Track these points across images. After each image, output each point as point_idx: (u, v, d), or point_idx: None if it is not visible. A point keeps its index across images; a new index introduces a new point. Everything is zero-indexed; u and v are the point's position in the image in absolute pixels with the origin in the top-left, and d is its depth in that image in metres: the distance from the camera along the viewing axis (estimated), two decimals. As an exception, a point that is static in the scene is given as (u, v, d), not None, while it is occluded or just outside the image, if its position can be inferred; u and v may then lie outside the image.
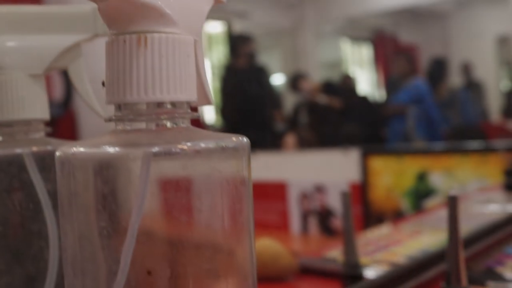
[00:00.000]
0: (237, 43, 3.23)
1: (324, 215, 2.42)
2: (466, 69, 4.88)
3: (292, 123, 3.68)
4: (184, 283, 0.24)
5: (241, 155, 0.26)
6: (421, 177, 2.05)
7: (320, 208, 2.42)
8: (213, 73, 4.79)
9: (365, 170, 2.19)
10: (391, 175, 2.19)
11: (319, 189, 2.45)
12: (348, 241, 0.58)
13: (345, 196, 0.57)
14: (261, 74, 3.22)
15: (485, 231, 0.71)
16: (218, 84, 3.54)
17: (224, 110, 3.24)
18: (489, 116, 4.98)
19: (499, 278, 0.62)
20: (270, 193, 2.55)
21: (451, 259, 0.46)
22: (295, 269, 0.63)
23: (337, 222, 2.31)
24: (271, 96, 3.51)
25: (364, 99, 4.02)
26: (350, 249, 0.58)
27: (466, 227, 0.68)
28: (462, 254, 0.46)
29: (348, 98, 3.69)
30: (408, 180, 2.06)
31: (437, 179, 2.01)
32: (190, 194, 0.24)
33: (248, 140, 0.26)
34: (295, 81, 3.89)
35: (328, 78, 4.57)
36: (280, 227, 2.55)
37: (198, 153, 0.24)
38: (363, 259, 0.62)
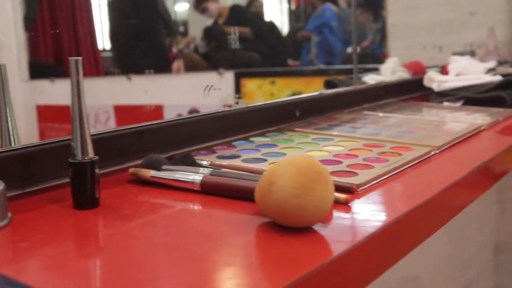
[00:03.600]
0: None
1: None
2: None
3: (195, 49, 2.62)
4: None
5: None
6: (328, 84, 2.08)
7: None
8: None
9: (238, 92, 2.02)
10: (264, 96, 2.10)
11: (194, 111, 2.00)
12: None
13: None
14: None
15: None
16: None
17: (115, 36, 1.98)
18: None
19: (187, 163, 0.66)
20: (147, 117, 1.88)
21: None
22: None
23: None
24: (166, 21, 2.38)
25: (271, 25, 3.12)
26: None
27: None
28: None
29: (254, 23, 2.85)
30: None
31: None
32: None
33: None
34: (200, 2, 2.61)
35: (235, 2, 3.27)
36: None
37: None
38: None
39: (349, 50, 2.91)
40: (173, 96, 2.53)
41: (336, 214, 0.53)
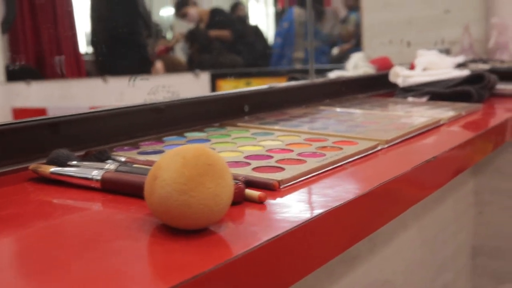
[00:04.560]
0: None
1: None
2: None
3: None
4: None
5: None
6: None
7: None
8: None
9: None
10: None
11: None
12: None
13: None
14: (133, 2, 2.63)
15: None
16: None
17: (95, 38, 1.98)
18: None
19: (101, 159, 0.59)
20: None
21: None
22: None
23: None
24: (146, 24, 2.66)
25: (255, 29, 3.53)
26: None
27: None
28: None
29: (237, 26, 3.29)
30: None
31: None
32: None
33: None
34: (181, 8, 3.23)
35: (217, 5, 3.93)
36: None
37: None
38: None
39: (335, 51, 2.85)
40: (148, 98, 2.47)
41: (247, 213, 0.46)
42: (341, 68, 1.42)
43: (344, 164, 0.62)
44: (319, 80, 1.12)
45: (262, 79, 2.39)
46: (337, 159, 0.61)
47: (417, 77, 1.20)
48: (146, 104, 0.77)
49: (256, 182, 0.52)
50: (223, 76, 2.48)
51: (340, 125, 0.83)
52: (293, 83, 1.06)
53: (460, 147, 0.74)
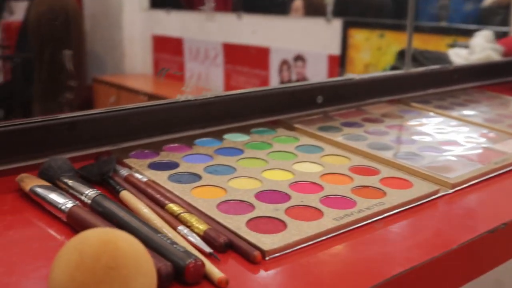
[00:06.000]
0: None
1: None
2: None
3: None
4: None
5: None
6: (403, 55, 1.88)
7: (298, 79, 1.90)
8: None
9: (345, 43, 1.86)
10: (372, 51, 1.95)
11: (299, 58, 1.90)
12: None
13: None
14: None
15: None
16: None
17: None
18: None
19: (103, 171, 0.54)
20: (254, 58, 1.87)
21: None
22: None
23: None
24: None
25: None
26: None
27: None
28: None
29: None
30: (388, 57, 1.91)
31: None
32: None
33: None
34: None
35: None
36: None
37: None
38: None
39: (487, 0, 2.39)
40: (280, 40, 2.38)
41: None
42: (486, 28, 1.19)
43: (372, 222, 0.49)
44: (415, 70, 0.94)
45: (398, 33, 2.15)
46: (364, 216, 0.49)
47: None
48: (194, 99, 0.68)
49: (239, 247, 0.43)
50: (356, 24, 2.28)
51: (411, 145, 0.69)
52: (378, 74, 0.91)
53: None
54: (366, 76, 0.86)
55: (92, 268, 0.30)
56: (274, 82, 2.29)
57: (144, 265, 0.32)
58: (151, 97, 2.19)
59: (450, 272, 0.46)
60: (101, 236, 0.32)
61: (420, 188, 0.55)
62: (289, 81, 2.25)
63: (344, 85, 0.84)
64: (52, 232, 0.46)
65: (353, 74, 0.83)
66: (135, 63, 2.75)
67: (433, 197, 0.55)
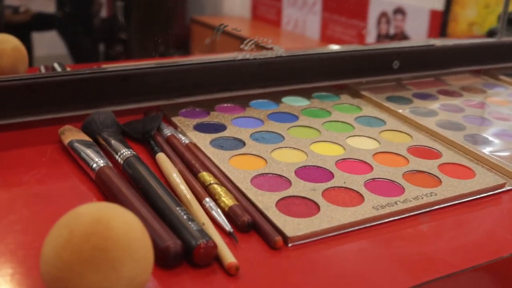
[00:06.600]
0: None
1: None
2: None
3: None
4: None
5: None
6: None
7: (396, 33, 1.85)
8: None
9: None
10: (478, 8, 1.84)
11: (399, 11, 1.84)
12: None
13: None
14: None
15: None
16: None
17: None
18: None
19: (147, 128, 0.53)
20: (352, 8, 1.87)
21: None
22: None
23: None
24: None
25: None
26: None
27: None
28: None
29: None
30: (495, 17, 1.79)
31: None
32: None
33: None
34: None
35: None
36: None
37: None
38: None
39: None
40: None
41: None
42: None
43: (419, 214, 0.45)
44: (509, 39, 0.84)
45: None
46: (409, 207, 0.44)
47: None
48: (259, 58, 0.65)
49: (262, 229, 0.40)
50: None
51: (491, 127, 0.62)
52: (462, 41, 0.82)
53: None
54: (449, 42, 0.78)
55: (79, 249, 0.29)
56: (371, 35, 2.19)
57: (138, 249, 0.30)
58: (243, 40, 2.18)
59: (495, 285, 0.41)
60: (93, 214, 0.30)
61: (482, 180, 0.49)
62: (387, 34, 2.14)
63: (425, 51, 0.77)
64: (84, 189, 0.45)
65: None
66: (233, 5, 2.73)
67: (497, 191, 0.49)
